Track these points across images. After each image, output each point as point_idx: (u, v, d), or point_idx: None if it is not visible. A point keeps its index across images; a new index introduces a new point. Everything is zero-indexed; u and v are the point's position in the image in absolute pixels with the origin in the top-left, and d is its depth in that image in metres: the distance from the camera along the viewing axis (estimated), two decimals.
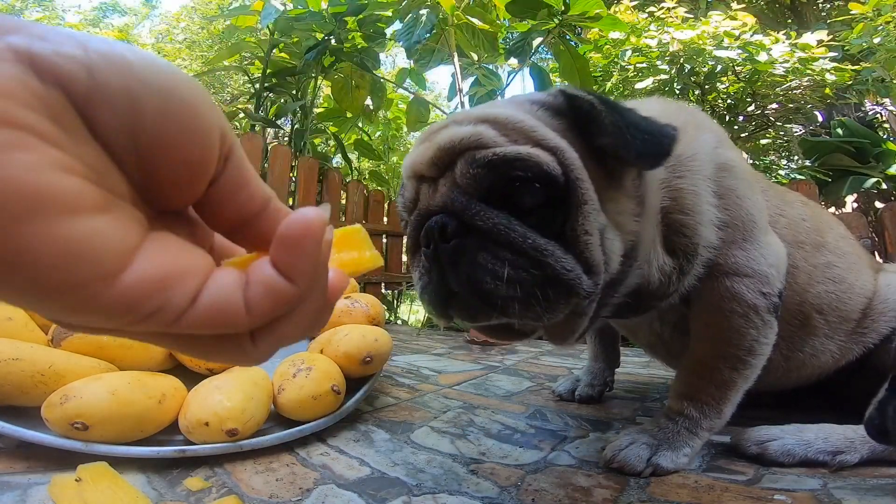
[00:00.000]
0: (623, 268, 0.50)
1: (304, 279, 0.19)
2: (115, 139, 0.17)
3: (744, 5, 3.17)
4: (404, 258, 2.91)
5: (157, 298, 0.17)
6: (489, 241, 0.43)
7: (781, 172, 3.61)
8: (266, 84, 2.67)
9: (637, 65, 2.94)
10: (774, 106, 3.04)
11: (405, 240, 0.54)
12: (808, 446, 0.61)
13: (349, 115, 2.75)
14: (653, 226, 0.53)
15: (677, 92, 2.95)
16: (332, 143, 3.13)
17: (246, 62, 3.04)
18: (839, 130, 3.38)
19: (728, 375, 0.61)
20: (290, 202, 2.44)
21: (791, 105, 3.01)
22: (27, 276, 0.15)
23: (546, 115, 0.48)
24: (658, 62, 2.83)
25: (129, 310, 0.16)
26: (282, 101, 2.82)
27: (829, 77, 2.70)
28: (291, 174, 2.46)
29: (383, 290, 2.75)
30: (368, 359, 0.79)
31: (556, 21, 1.95)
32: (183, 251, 0.19)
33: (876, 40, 2.90)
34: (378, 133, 3.81)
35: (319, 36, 2.41)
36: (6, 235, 0.14)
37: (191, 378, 0.70)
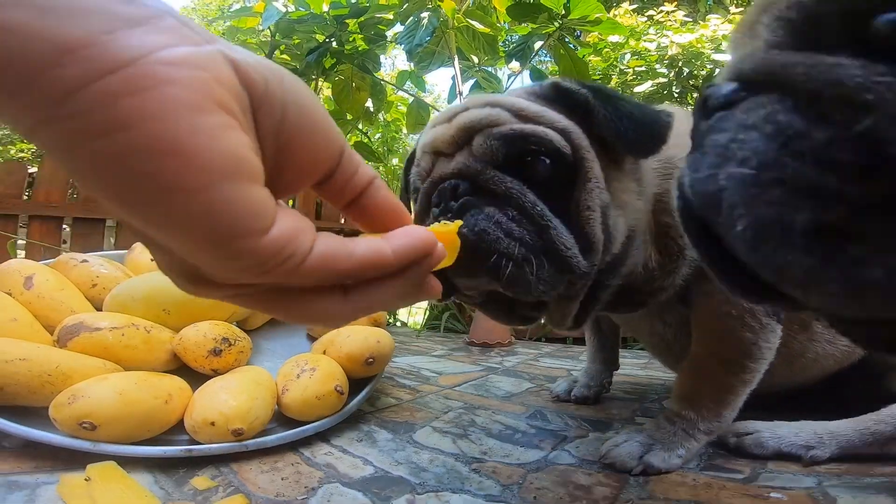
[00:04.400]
0: (624, 248, 0.52)
1: (401, 260, 0.25)
2: (265, 136, 0.22)
3: (742, 8, 3.19)
4: None
5: (291, 246, 0.21)
6: (499, 201, 0.46)
7: None
8: None
9: (636, 68, 2.96)
10: None
11: (413, 210, 0.56)
12: (780, 440, 0.64)
13: (349, 116, 2.76)
14: (648, 208, 0.55)
15: (676, 95, 2.97)
16: None
17: None
18: None
19: (727, 380, 0.62)
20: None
21: None
22: (215, 224, 0.19)
23: (545, 104, 0.52)
24: (657, 65, 2.84)
25: (274, 255, 0.21)
26: None
27: None
28: None
29: None
30: (371, 360, 0.80)
31: (557, 25, 1.97)
32: (297, 216, 0.23)
33: None
34: (378, 135, 3.83)
35: (320, 38, 2.42)
36: (213, 190, 0.19)
37: (195, 378, 0.71)
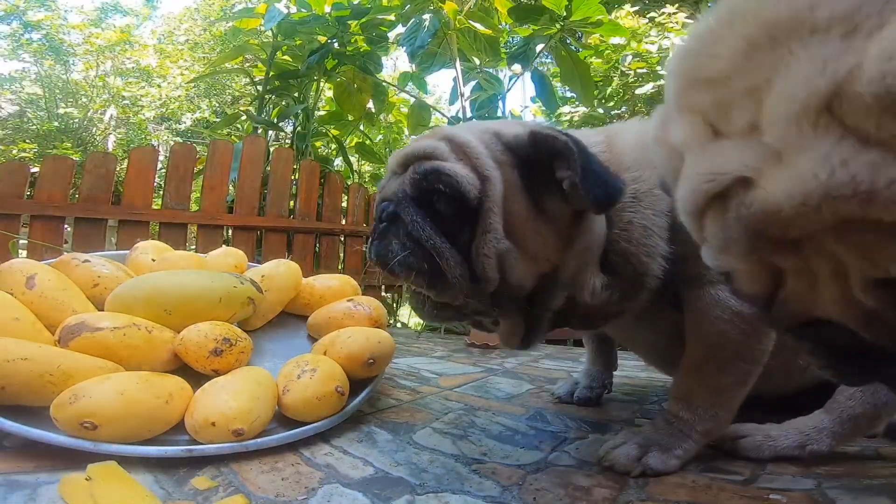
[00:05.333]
0: (541, 286, 0.59)
1: None
2: None
3: None
4: None
5: None
6: (404, 230, 0.56)
7: None
8: (269, 87, 2.68)
9: (637, 70, 2.96)
10: None
11: None
12: (774, 442, 0.65)
13: (351, 118, 2.77)
14: (582, 257, 0.60)
15: None
16: (333, 146, 3.14)
17: (249, 64, 3.06)
18: None
19: (721, 380, 0.63)
20: (291, 204, 2.45)
21: None
22: None
23: (499, 148, 0.57)
24: (658, 67, 2.84)
25: None
26: (284, 103, 2.83)
27: None
28: (293, 177, 2.48)
29: (383, 294, 2.76)
30: (371, 360, 0.80)
31: (558, 26, 1.97)
32: None
33: None
34: (379, 136, 3.83)
35: (322, 39, 2.43)
36: None
37: (196, 379, 0.71)
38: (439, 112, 3.01)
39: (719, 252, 0.29)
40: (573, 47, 2.12)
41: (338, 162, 3.48)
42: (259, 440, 0.64)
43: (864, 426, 0.63)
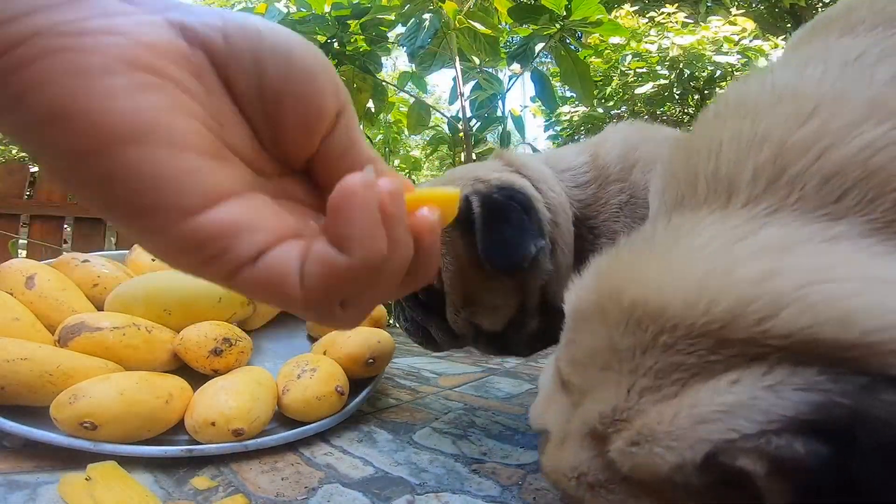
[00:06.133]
0: (512, 321, 0.68)
1: (359, 249, 0.19)
2: (246, 94, 0.21)
3: (743, 10, 3.19)
4: None
5: (220, 242, 0.18)
6: (406, 313, 0.77)
7: None
8: None
9: (637, 70, 2.96)
10: None
11: None
12: None
13: None
14: (548, 288, 0.66)
15: (676, 97, 2.97)
16: None
17: None
18: None
19: None
20: None
21: None
22: (118, 191, 0.18)
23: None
24: (658, 67, 2.85)
25: (195, 247, 0.18)
26: None
27: None
28: None
29: None
30: (371, 360, 0.80)
31: (558, 26, 1.97)
32: (273, 212, 0.20)
33: None
34: (379, 136, 3.83)
35: (322, 39, 2.42)
36: (109, 154, 0.17)
37: (196, 378, 0.71)
38: (439, 112, 3.01)
39: None
40: (573, 47, 2.11)
41: None
42: (259, 440, 0.64)
43: None
